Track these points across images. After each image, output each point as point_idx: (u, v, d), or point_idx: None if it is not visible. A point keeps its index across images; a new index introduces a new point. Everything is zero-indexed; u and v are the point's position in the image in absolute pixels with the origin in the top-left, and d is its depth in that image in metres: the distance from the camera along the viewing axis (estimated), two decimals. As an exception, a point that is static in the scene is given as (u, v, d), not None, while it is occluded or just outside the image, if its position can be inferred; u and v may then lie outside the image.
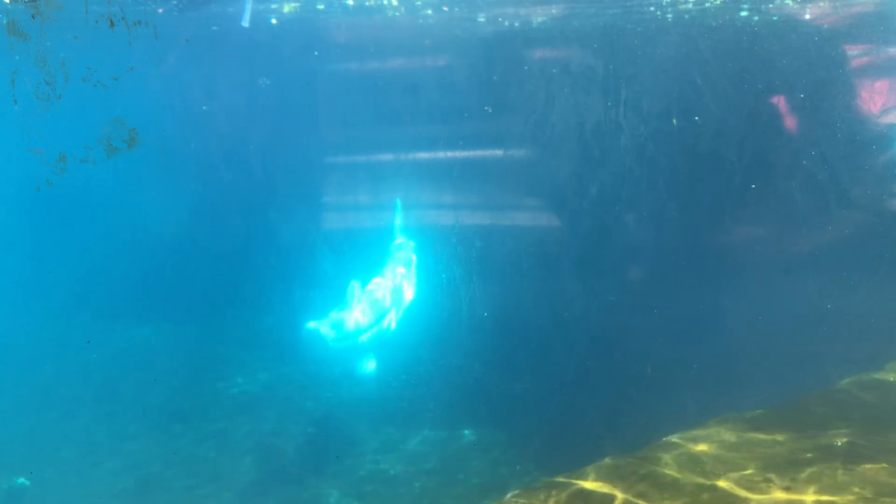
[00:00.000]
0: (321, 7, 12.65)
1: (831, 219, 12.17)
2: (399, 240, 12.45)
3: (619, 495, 5.87)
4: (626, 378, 11.36)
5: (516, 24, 13.49)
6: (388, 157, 14.45)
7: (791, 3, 11.72)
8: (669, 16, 12.31)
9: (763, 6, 11.76)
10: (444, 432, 11.02)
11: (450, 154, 14.17)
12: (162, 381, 12.27)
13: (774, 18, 12.26)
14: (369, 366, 11.10)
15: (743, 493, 5.77)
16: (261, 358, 12.73)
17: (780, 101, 12.27)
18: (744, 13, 12.06)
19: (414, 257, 12.19)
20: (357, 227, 14.26)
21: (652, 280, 13.07)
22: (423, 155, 14.32)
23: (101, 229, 13.79)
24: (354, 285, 10.95)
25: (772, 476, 6.00)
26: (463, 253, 13.00)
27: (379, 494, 9.77)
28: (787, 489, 5.75)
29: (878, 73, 12.27)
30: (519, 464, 10.12)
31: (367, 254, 12.40)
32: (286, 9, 12.55)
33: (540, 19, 13.20)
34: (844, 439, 6.61)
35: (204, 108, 14.58)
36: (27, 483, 10.22)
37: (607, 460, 6.51)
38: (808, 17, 12.22)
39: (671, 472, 6.20)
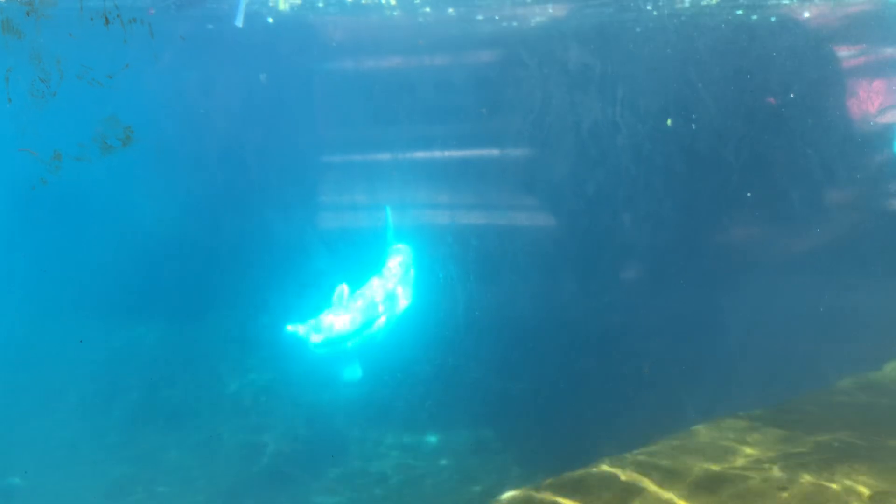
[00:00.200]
0: (321, 5, 12.63)
1: (829, 219, 12.19)
2: (393, 246, 12.24)
3: (616, 496, 5.86)
4: (623, 378, 11.36)
5: (514, 24, 13.48)
6: (384, 156, 14.43)
7: (788, 3, 11.72)
8: (667, 13, 12.31)
9: (760, 6, 11.76)
10: (441, 433, 11.00)
11: (447, 154, 14.15)
12: (155, 381, 12.24)
13: (772, 19, 12.26)
14: (353, 372, 10.85)
15: (739, 493, 5.76)
16: (255, 358, 12.69)
17: (777, 101, 12.28)
18: (740, 11, 12.06)
19: (409, 263, 11.97)
20: (354, 228, 14.23)
21: (649, 280, 13.08)
22: (420, 154, 14.30)
23: (94, 228, 13.73)
24: (342, 289, 10.64)
25: (769, 476, 5.99)
26: (460, 253, 12.99)
27: (373, 495, 9.75)
28: (783, 490, 5.74)
29: (876, 73, 12.29)
30: (516, 464, 10.11)
31: (360, 256, 12.34)
32: (282, 6, 12.52)
33: (538, 19, 13.20)
34: (841, 440, 6.61)
35: (201, 109, 14.55)
36: (20, 483, 10.18)
37: (605, 460, 6.50)
38: (805, 16, 12.23)
39: (666, 472, 6.19)
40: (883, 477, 5.83)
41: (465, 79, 14.08)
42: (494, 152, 14.16)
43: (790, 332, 10.98)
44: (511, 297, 12.96)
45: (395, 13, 12.85)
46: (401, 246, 12.28)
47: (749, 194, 12.36)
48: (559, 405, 11.06)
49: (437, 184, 14.02)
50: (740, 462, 6.32)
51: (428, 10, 12.56)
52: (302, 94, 15.04)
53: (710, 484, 5.95)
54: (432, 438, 10.94)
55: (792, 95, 12.23)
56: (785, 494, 5.67)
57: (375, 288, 11.10)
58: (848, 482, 5.78)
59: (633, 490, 5.92)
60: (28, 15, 6.52)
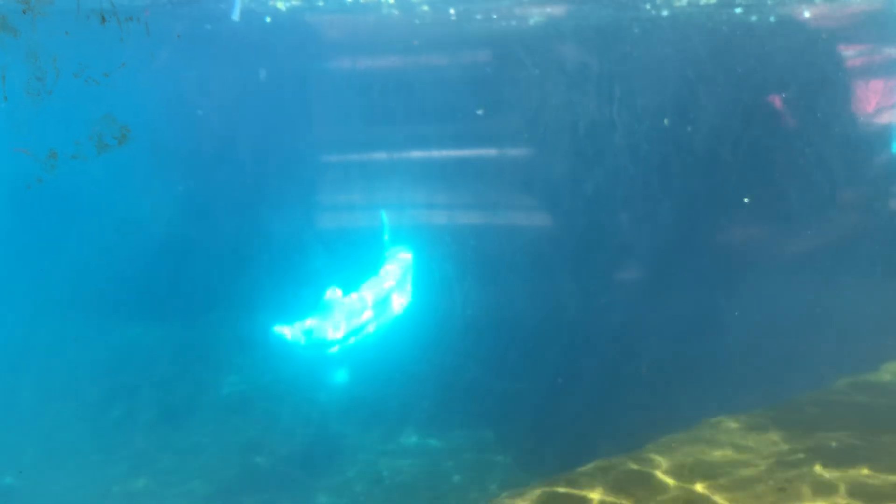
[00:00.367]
0: (320, 4, 12.60)
1: (826, 219, 12.18)
2: (390, 250, 12.13)
3: (613, 496, 5.85)
4: (620, 378, 11.35)
5: (513, 23, 13.47)
6: (381, 156, 14.40)
7: (788, 3, 11.72)
8: (665, 13, 12.30)
9: (759, 5, 11.75)
10: (438, 433, 10.98)
11: (445, 153, 14.13)
12: (152, 381, 12.21)
13: (772, 19, 12.26)
14: (340, 376, 10.75)
15: (737, 493, 5.75)
16: (252, 357, 12.65)
17: (775, 101, 12.27)
18: (738, 10, 12.05)
19: (407, 267, 11.85)
20: (352, 228, 14.20)
21: (648, 280, 13.06)
22: (417, 154, 14.28)
23: (91, 227, 13.68)
24: (332, 293, 10.50)
25: (766, 477, 5.99)
26: (457, 253, 12.96)
27: (371, 495, 9.73)
28: (782, 490, 5.73)
29: (873, 72, 12.29)
30: (515, 464, 10.09)
31: (357, 257, 12.29)
32: (280, 4, 12.49)
33: (536, 18, 13.19)
34: (839, 440, 6.61)
35: (198, 108, 14.51)
36: (15, 483, 10.15)
37: (601, 461, 6.49)
38: (804, 16, 12.23)
39: (664, 472, 6.19)
40: (881, 477, 5.83)
41: (464, 78, 14.06)
42: (493, 152, 14.15)
43: (788, 332, 10.98)
44: (510, 297, 12.94)
45: (393, 12, 12.83)
46: (398, 249, 12.18)
47: (748, 195, 12.36)
48: (558, 405, 11.04)
49: (435, 183, 14.00)
50: (738, 462, 6.31)
51: (426, 8, 12.54)
52: (299, 94, 15.01)
53: (708, 484, 5.94)
54: (430, 439, 10.92)
55: (791, 95, 12.23)
56: (783, 495, 5.66)
57: (367, 292, 10.95)
58: (846, 482, 5.78)
59: (630, 490, 5.91)
60: (24, 13, 6.50)
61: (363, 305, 10.77)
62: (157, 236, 13.79)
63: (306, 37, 14.23)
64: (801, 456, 6.31)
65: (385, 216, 12.57)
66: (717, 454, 6.51)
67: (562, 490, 6.04)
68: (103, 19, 6.43)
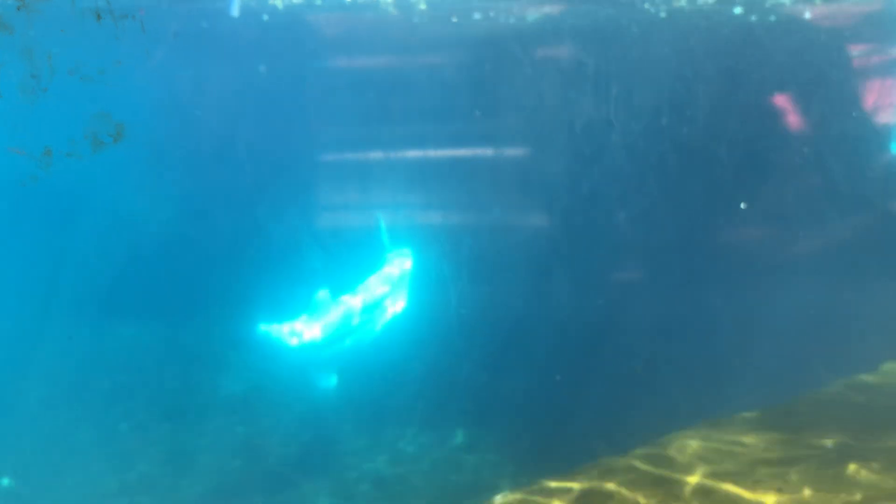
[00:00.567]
0: (318, 2, 12.57)
1: (824, 219, 12.18)
2: (387, 254, 12.08)
3: (611, 496, 5.83)
4: (618, 379, 11.34)
5: (511, 21, 13.44)
6: (378, 155, 14.37)
7: (786, 2, 11.71)
8: (663, 14, 12.28)
9: (758, 5, 11.74)
10: (436, 433, 10.97)
11: (443, 153, 14.11)
12: (149, 381, 12.18)
13: (772, 19, 12.25)
14: (328, 380, 10.70)
15: (735, 494, 5.74)
16: (250, 358, 12.62)
17: (774, 100, 12.27)
18: (737, 10, 12.04)
19: (404, 270, 11.78)
20: (348, 228, 14.16)
21: (645, 280, 13.05)
22: (414, 153, 14.25)
23: (86, 227, 13.64)
24: (322, 295, 10.44)
25: (764, 477, 5.98)
26: (454, 252, 12.93)
27: (369, 495, 9.72)
28: (779, 490, 5.72)
29: (873, 72, 12.29)
30: (510, 465, 10.07)
31: (354, 258, 12.25)
32: (277, 2, 12.46)
33: (535, 17, 13.17)
34: (836, 441, 6.61)
35: (194, 107, 14.46)
36: (11, 484, 10.12)
37: (599, 462, 6.49)
38: (804, 16, 12.22)
39: (663, 473, 6.18)
40: (879, 478, 5.82)
41: (462, 76, 14.03)
42: (490, 151, 14.13)
43: (785, 333, 10.97)
44: (507, 297, 12.92)
45: (391, 10, 12.81)
46: (394, 254, 12.13)
47: (745, 195, 12.35)
48: (555, 405, 11.04)
49: (432, 182, 13.97)
50: (736, 463, 6.31)
51: (423, 7, 12.52)
52: (296, 92, 14.98)
53: (703, 485, 5.93)
54: (428, 439, 10.92)
55: (790, 95, 12.22)
56: (781, 496, 5.65)
57: (359, 296, 10.90)
58: (845, 483, 5.77)
59: (628, 491, 5.90)
60: (19, 10, 6.47)
61: (353, 309, 10.72)
62: (153, 236, 13.75)
63: (304, 35, 14.18)
64: (799, 456, 6.30)
65: (383, 219, 12.54)
66: (717, 454, 6.50)
67: (560, 491, 6.03)
68: (98, 17, 6.40)
